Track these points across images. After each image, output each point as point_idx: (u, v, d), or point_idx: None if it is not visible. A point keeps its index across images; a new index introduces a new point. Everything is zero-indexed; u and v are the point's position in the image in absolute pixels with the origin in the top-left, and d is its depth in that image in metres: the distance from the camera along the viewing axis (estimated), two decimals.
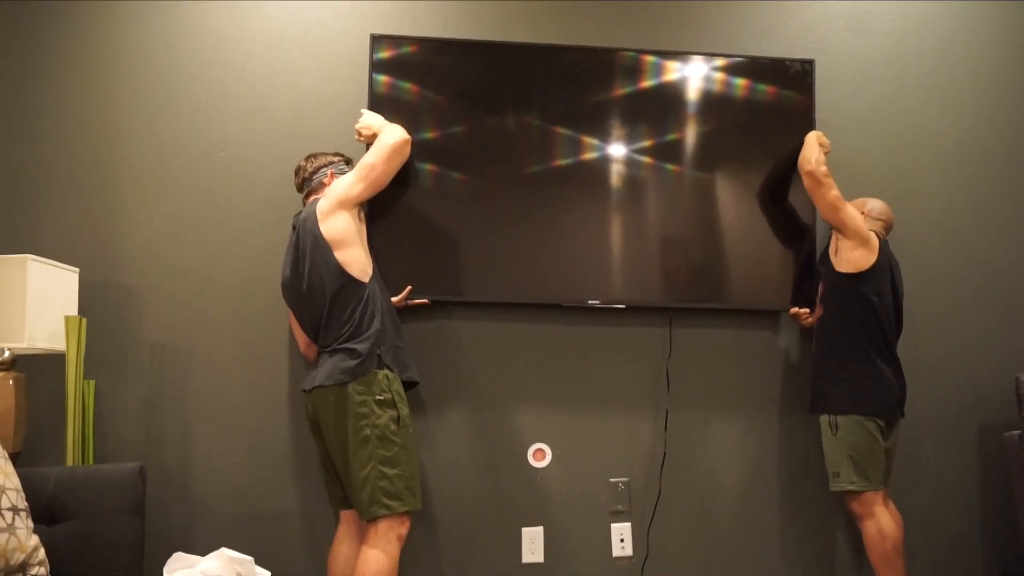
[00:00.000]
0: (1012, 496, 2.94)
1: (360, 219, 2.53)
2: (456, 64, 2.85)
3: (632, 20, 3.08)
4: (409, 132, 2.63)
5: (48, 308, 2.41)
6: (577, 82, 2.90)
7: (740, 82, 2.96)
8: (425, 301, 2.78)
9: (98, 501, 2.08)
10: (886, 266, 2.76)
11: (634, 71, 2.93)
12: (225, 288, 2.81)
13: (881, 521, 2.66)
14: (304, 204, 2.64)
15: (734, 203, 2.93)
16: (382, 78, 2.81)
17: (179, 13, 2.89)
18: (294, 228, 2.54)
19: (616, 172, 2.89)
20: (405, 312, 2.78)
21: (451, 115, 2.83)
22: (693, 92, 2.95)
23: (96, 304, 2.75)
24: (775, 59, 2.99)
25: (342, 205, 2.46)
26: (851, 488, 2.67)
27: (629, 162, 2.90)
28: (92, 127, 2.82)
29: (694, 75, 2.95)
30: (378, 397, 2.34)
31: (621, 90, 2.92)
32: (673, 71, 2.94)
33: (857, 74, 3.17)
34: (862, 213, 2.84)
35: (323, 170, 2.59)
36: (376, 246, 2.72)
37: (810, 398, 2.83)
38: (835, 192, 2.72)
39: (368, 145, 2.62)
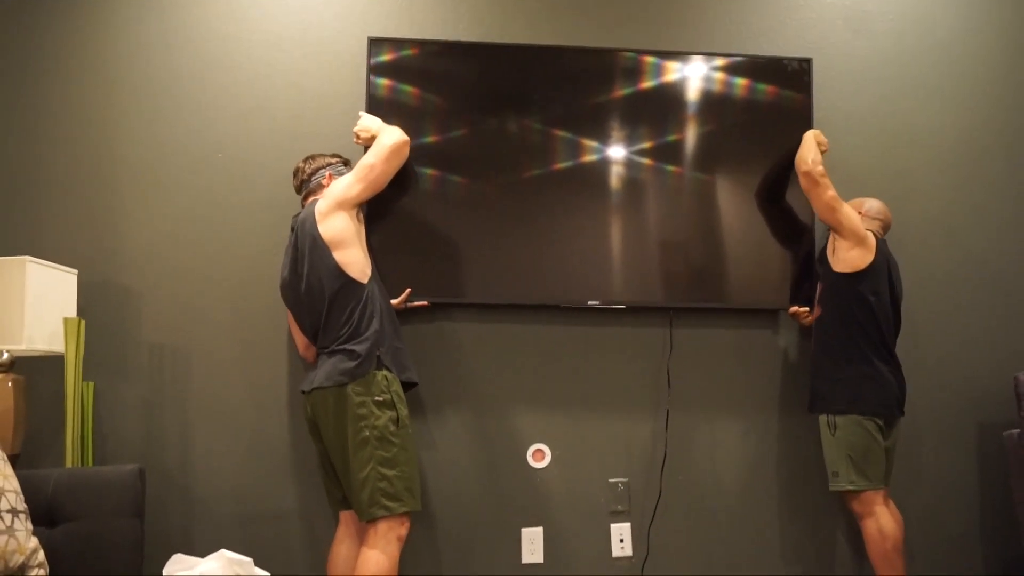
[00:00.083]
0: (1011, 495, 2.95)
1: (359, 220, 2.53)
2: (454, 66, 2.85)
3: (631, 20, 3.08)
4: (408, 135, 2.63)
5: (47, 310, 2.41)
6: (576, 83, 2.90)
7: (739, 82, 2.96)
8: (425, 303, 2.78)
9: (97, 503, 2.08)
10: (884, 266, 2.76)
11: (634, 72, 2.93)
12: (224, 289, 2.81)
13: (881, 520, 2.66)
14: (303, 205, 2.64)
15: (733, 203, 2.93)
16: (382, 81, 2.81)
17: (178, 14, 2.88)
18: (293, 229, 2.54)
19: (616, 174, 2.89)
20: (405, 314, 2.78)
21: (450, 118, 2.83)
22: (692, 92, 2.95)
23: (95, 305, 2.75)
24: (772, 58, 2.99)
25: (341, 206, 2.46)
26: (850, 488, 2.67)
27: (629, 164, 2.90)
28: (91, 128, 2.82)
29: (693, 75, 2.95)
30: (377, 398, 2.34)
31: (621, 91, 2.92)
32: (672, 71, 2.94)
33: (856, 73, 3.17)
34: (859, 213, 2.84)
35: (322, 171, 2.60)
36: (375, 248, 2.72)
37: (809, 398, 2.83)
38: (831, 192, 2.72)
39: (366, 148, 2.62)
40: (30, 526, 1.94)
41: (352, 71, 2.92)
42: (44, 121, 2.80)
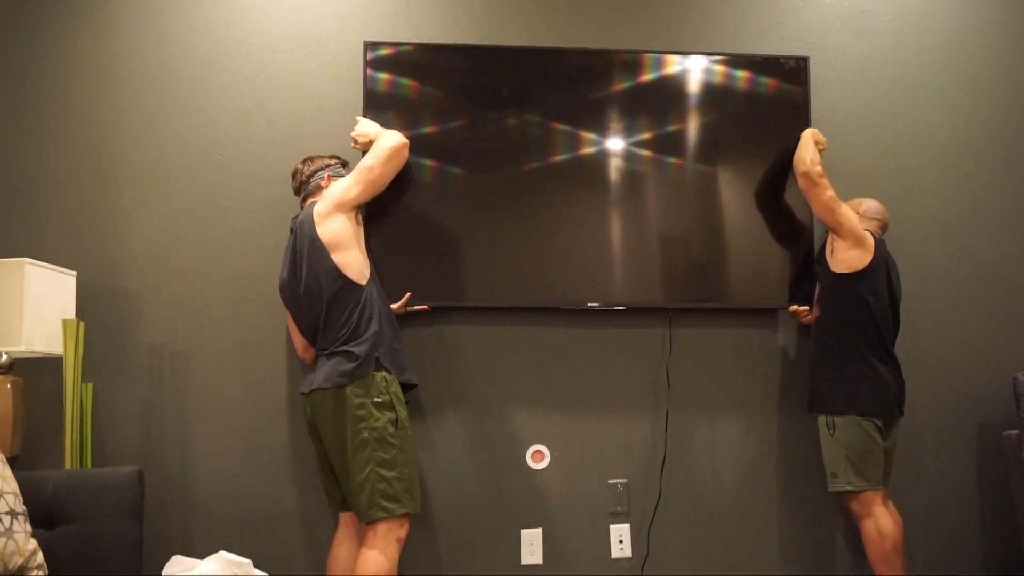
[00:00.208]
0: (1010, 495, 2.95)
1: (357, 222, 2.53)
2: (452, 65, 2.85)
3: (630, 21, 3.08)
4: (407, 128, 2.64)
5: (46, 311, 2.41)
6: (575, 80, 2.91)
7: (740, 74, 2.97)
8: (424, 307, 2.78)
9: (96, 504, 2.08)
10: (882, 266, 2.76)
11: (633, 66, 2.94)
12: (223, 290, 2.81)
13: (880, 521, 2.66)
14: (302, 207, 2.64)
15: (733, 197, 2.94)
16: (381, 75, 2.81)
17: (177, 15, 2.89)
18: (292, 231, 2.54)
19: (615, 167, 2.90)
20: (404, 317, 2.78)
21: (449, 113, 2.83)
22: (691, 85, 2.95)
23: (94, 307, 2.74)
24: (770, 56, 3.00)
25: (339, 208, 2.46)
26: (849, 488, 2.67)
27: (628, 156, 2.90)
28: (90, 129, 2.82)
29: (693, 68, 2.95)
30: (376, 399, 2.34)
31: (620, 85, 2.92)
32: (672, 64, 2.95)
33: (855, 74, 3.17)
34: (857, 213, 2.85)
35: (320, 173, 2.60)
36: (374, 250, 2.72)
37: (808, 398, 2.83)
38: (830, 193, 2.72)
39: (364, 152, 2.62)
40: (29, 528, 1.94)
41: (350, 73, 2.92)
42: (43, 122, 2.80)
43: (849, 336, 2.72)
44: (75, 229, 2.78)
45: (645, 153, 2.91)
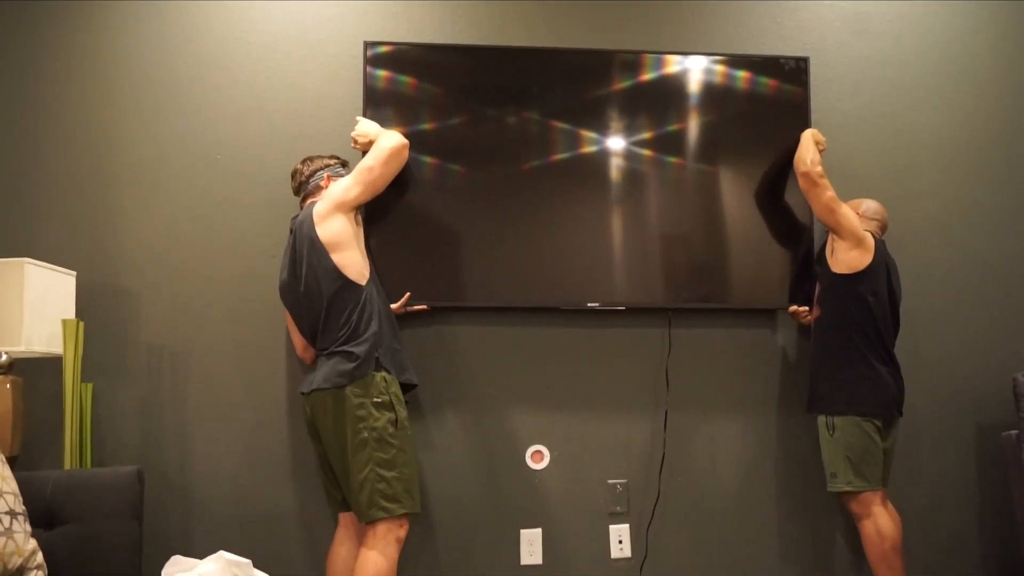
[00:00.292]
0: (1010, 495, 2.95)
1: (357, 222, 2.53)
2: (451, 66, 2.86)
3: (629, 22, 3.08)
4: (406, 124, 2.64)
5: (45, 311, 2.41)
6: (575, 79, 2.91)
7: (740, 74, 2.97)
8: (424, 307, 2.78)
9: (96, 504, 2.08)
10: (882, 266, 2.76)
11: (633, 66, 2.94)
12: (223, 290, 2.81)
13: (879, 521, 2.66)
14: (301, 207, 2.64)
15: (733, 197, 2.94)
16: (381, 72, 2.81)
17: (177, 15, 2.89)
18: (291, 231, 2.54)
19: (615, 166, 2.90)
20: (403, 317, 2.78)
21: (449, 110, 2.83)
22: (692, 85, 2.95)
23: (94, 307, 2.74)
24: (770, 57, 3.00)
25: (339, 208, 2.46)
26: (848, 489, 2.67)
27: (628, 155, 2.91)
28: (90, 129, 2.82)
29: (694, 68, 2.96)
30: (376, 399, 2.34)
31: (620, 84, 2.93)
32: (672, 64, 2.95)
33: (854, 74, 3.18)
34: (857, 214, 2.85)
35: (320, 173, 2.60)
36: (374, 250, 2.72)
37: (807, 398, 2.83)
38: (830, 193, 2.72)
39: (364, 152, 2.62)
40: (28, 528, 1.94)
41: (350, 72, 2.92)
42: (43, 122, 2.80)
43: (849, 336, 2.72)
44: (75, 229, 2.78)
45: (646, 152, 2.92)
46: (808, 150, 2.78)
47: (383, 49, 2.83)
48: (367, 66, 2.81)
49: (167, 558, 2.14)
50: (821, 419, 2.75)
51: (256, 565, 2.20)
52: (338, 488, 2.48)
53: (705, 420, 2.98)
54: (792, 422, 3.01)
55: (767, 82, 2.99)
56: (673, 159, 2.93)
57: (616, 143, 2.91)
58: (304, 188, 2.61)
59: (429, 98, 2.83)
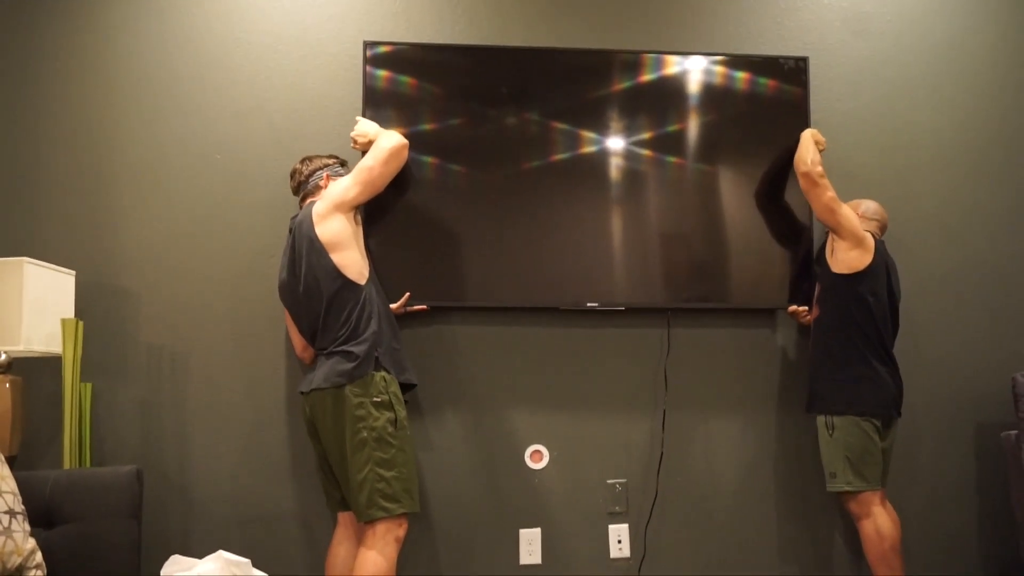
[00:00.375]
0: (1009, 495, 2.95)
1: (356, 222, 2.53)
2: (451, 66, 2.86)
3: (629, 22, 3.08)
4: (406, 124, 2.64)
5: (45, 311, 2.41)
6: (575, 79, 2.91)
7: (739, 75, 2.97)
8: (424, 307, 2.78)
9: (95, 504, 2.08)
10: (882, 266, 2.76)
11: (633, 66, 2.94)
12: (222, 290, 2.81)
13: (878, 521, 2.66)
14: (300, 206, 2.64)
15: (732, 197, 2.94)
16: (381, 72, 2.81)
17: (177, 15, 2.89)
18: (290, 231, 2.54)
19: (615, 166, 2.90)
20: (403, 317, 2.78)
21: (449, 110, 2.83)
22: (692, 85, 2.95)
23: (93, 307, 2.74)
24: (769, 57, 3.00)
25: (338, 208, 2.46)
26: (847, 489, 2.67)
27: (628, 155, 2.91)
28: (89, 129, 2.82)
29: (693, 68, 2.96)
30: (375, 399, 2.34)
31: (620, 85, 2.93)
32: (672, 64, 2.95)
33: (854, 74, 3.18)
34: (856, 215, 2.84)
35: (319, 173, 2.60)
36: (373, 250, 2.72)
37: (807, 398, 2.83)
38: (830, 193, 2.72)
39: (363, 152, 2.62)
40: (28, 527, 1.94)
41: (350, 72, 2.92)
42: (42, 122, 2.80)
43: (849, 336, 2.72)
44: (74, 228, 2.78)
45: (645, 152, 2.92)
46: (808, 150, 2.78)
47: (383, 49, 2.83)
48: (367, 66, 2.82)
49: (166, 558, 2.15)
50: (820, 419, 2.75)
51: (255, 565, 2.20)
52: (337, 488, 2.48)
53: (705, 420, 2.98)
54: (791, 422, 3.01)
55: (766, 82, 2.99)
56: (673, 159, 2.93)
57: (616, 143, 2.91)
58: (303, 188, 2.61)
59: (429, 98, 2.83)
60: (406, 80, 2.82)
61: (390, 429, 2.34)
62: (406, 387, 2.51)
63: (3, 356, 2.38)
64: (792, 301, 2.93)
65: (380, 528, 2.31)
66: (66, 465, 2.39)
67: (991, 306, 3.15)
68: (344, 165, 2.67)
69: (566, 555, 2.87)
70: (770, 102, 2.98)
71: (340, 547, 2.51)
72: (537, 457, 2.90)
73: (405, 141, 2.60)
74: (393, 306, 2.69)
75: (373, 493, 2.30)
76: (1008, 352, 3.14)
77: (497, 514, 2.85)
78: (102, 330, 2.74)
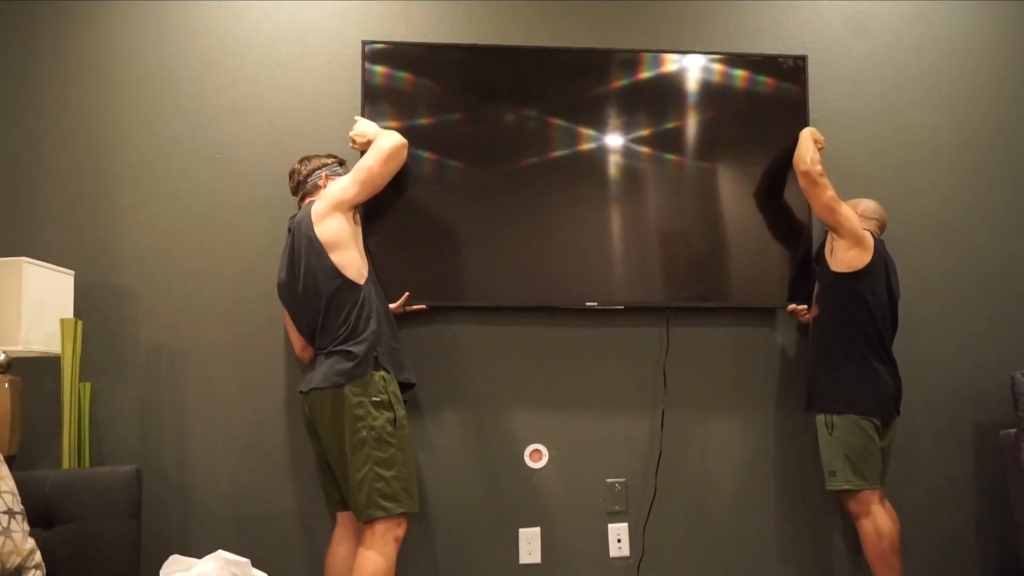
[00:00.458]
0: (1008, 494, 2.95)
1: (355, 221, 2.53)
2: (449, 65, 2.85)
3: (628, 21, 3.08)
4: (405, 120, 2.64)
5: (44, 311, 2.41)
6: (574, 79, 2.91)
7: (738, 73, 2.97)
8: (423, 307, 2.78)
9: (94, 504, 2.08)
10: (881, 265, 2.76)
11: (631, 64, 2.94)
12: (221, 290, 2.81)
13: (878, 520, 2.66)
14: (299, 206, 2.63)
15: (731, 195, 2.94)
16: (378, 68, 2.81)
17: (176, 15, 2.88)
18: (289, 230, 2.54)
19: (614, 163, 2.90)
20: (402, 317, 2.78)
21: (447, 107, 2.83)
22: (690, 83, 2.95)
23: (92, 306, 2.74)
24: (768, 55, 3.00)
25: (337, 207, 2.46)
26: (847, 487, 2.68)
27: (627, 152, 2.90)
28: (88, 129, 2.82)
29: (692, 66, 2.96)
30: (374, 399, 2.34)
31: (618, 82, 2.93)
32: (671, 62, 2.95)
33: (853, 73, 3.18)
34: (856, 214, 2.85)
35: (318, 172, 2.60)
36: (373, 250, 2.72)
37: (806, 397, 2.83)
38: (830, 192, 2.72)
39: (362, 152, 2.62)
40: (27, 527, 1.94)
41: (348, 72, 2.92)
42: (41, 122, 2.80)
43: (848, 335, 2.73)
44: (73, 228, 2.77)
45: (644, 150, 2.92)
46: (808, 149, 2.78)
47: (381, 47, 2.83)
48: (365, 62, 2.81)
49: (165, 557, 2.14)
50: (820, 418, 2.75)
51: (254, 564, 2.20)
52: (336, 487, 2.48)
53: (704, 419, 2.98)
54: (790, 421, 3.01)
55: (765, 80, 2.99)
56: (672, 157, 2.93)
57: (614, 140, 2.91)
58: (302, 187, 2.61)
59: (426, 94, 2.83)
60: (403, 76, 2.82)
61: (389, 428, 2.34)
62: (405, 386, 2.51)
63: (2, 356, 2.38)
64: (791, 300, 2.94)
65: (379, 528, 2.31)
66: (65, 465, 2.39)
67: (990, 304, 3.15)
68: (343, 164, 2.67)
69: (566, 554, 2.87)
70: (769, 100, 2.98)
71: (339, 547, 2.51)
72: (536, 456, 2.90)
73: (404, 141, 2.60)
74: (392, 306, 2.69)
75: (372, 493, 2.30)
76: (1007, 350, 3.14)
77: (496, 513, 2.85)
78: (101, 330, 2.74)
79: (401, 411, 2.39)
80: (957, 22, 3.25)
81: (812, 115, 3.06)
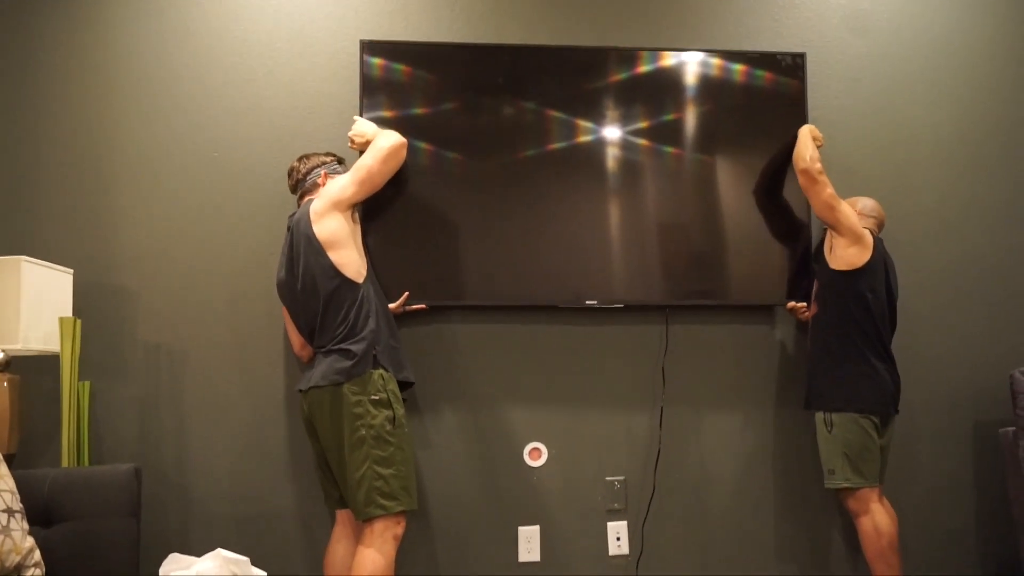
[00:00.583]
0: (1007, 493, 2.95)
1: (354, 220, 2.53)
2: (448, 62, 2.85)
3: (626, 20, 3.07)
4: (402, 111, 2.64)
5: (43, 309, 2.41)
6: (572, 74, 2.90)
7: (737, 67, 2.97)
8: (422, 306, 2.78)
9: (94, 503, 2.08)
10: (881, 263, 2.76)
11: (630, 59, 2.93)
12: (220, 288, 2.81)
13: (876, 518, 2.67)
14: (298, 205, 2.63)
15: (729, 193, 2.94)
16: (376, 60, 2.80)
17: (175, 13, 2.88)
18: (288, 229, 2.54)
19: (612, 155, 2.89)
20: (402, 316, 2.78)
21: (444, 99, 2.82)
22: (688, 77, 2.95)
23: (91, 305, 2.74)
24: (767, 53, 3.00)
25: (336, 206, 2.46)
26: (846, 485, 2.68)
27: (625, 145, 2.90)
28: (87, 127, 2.81)
29: (690, 61, 2.95)
30: (373, 397, 2.34)
31: (616, 76, 2.92)
32: (669, 58, 2.95)
33: (852, 71, 3.17)
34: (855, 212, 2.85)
35: (316, 171, 2.59)
36: (372, 250, 2.72)
37: (805, 395, 2.83)
38: (829, 190, 2.72)
39: (361, 152, 2.62)
40: (26, 526, 1.94)
41: (347, 71, 2.91)
42: (40, 120, 2.80)
43: (847, 333, 2.73)
44: (72, 227, 2.77)
45: (642, 142, 2.91)
46: (807, 147, 2.78)
47: (379, 44, 2.83)
48: (363, 54, 2.81)
49: (165, 556, 2.15)
50: (819, 416, 2.75)
51: (254, 563, 2.20)
52: (335, 486, 2.48)
53: (703, 417, 2.98)
54: (789, 418, 3.01)
55: (764, 75, 2.98)
56: (670, 149, 2.92)
57: (612, 132, 2.90)
58: (301, 186, 2.61)
59: (424, 85, 2.82)
60: (400, 68, 2.82)
61: (388, 427, 2.34)
62: (404, 385, 2.51)
63: (1, 355, 2.38)
64: (791, 297, 2.93)
65: (378, 526, 2.31)
66: (64, 464, 2.39)
67: (989, 302, 3.15)
68: (342, 163, 2.66)
69: (565, 552, 2.87)
70: (768, 94, 2.98)
71: (339, 545, 2.52)
72: (536, 455, 2.90)
73: (403, 140, 2.60)
74: (392, 305, 2.69)
75: (371, 491, 2.30)
76: (1006, 348, 3.14)
77: (496, 512, 2.86)
78: (100, 328, 2.74)
79: (400, 410, 2.39)
80: (956, 20, 3.25)
81: (811, 113, 3.06)
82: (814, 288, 2.86)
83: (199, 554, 2.19)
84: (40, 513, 2.05)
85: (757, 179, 2.95)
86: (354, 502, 2.34)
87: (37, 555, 1.93)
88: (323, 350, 2.42)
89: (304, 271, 2.43)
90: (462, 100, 2.84)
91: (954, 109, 3.21)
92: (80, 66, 2.83)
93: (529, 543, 2.85)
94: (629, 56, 2.94)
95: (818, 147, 2.83)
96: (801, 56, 3.01)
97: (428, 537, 2.82)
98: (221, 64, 2.88)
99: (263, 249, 2.83)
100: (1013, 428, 2.80)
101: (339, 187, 2.49)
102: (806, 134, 2.82)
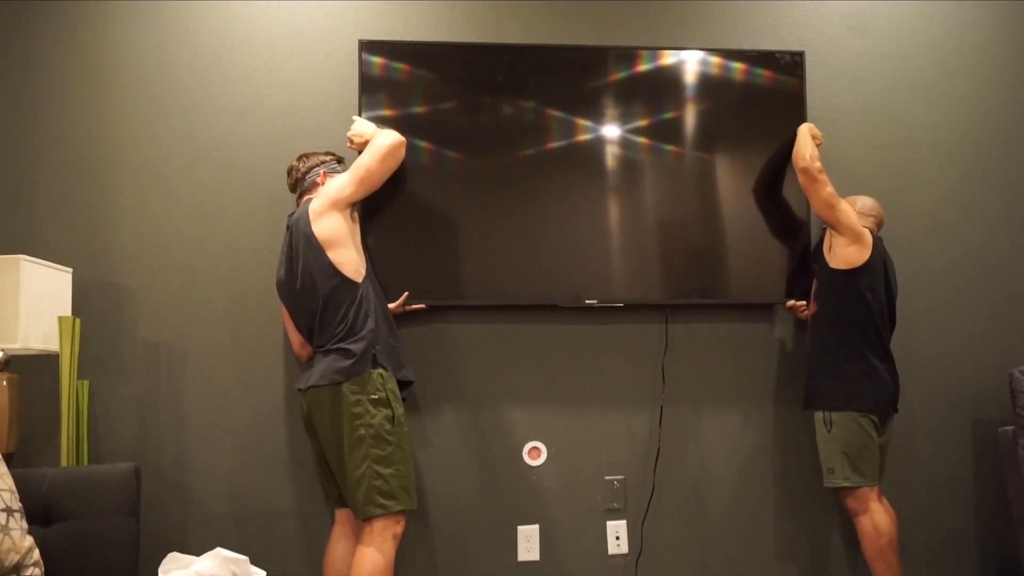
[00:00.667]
0: (1006, 492, 2.95)
1: (353, 219, 2.53)
2: (447, 61, 2.85)
3: (626, 19, 3.07)
4: (401, 110, 2.64)
5: (42, 308, 2.41)
6: (571, 73, 2.90)
7: (736, 66, 2.97)
8: (422, 306, 2.78)
9: (93, 502, 2.08)
10: (880, 262, 2.76)
11: (629, 58, 2.93)
12: (220, 287, 2.81)
13: (876, 517, 2.67)
14: (297, 204, 2.63)
15: (729, 192, 2.94)
16: (375, 59, 2.80)
17: (175, 13, 2.88)
18: (288, 228, 2.54)
19: (611, 154, 2.89)
20: (402, 315, 2.78)
21: (443, 98, 2.82)
22: (688, 76, 2.95)
23: (90, 304, 2.74)
24: (765, 52, 3.00)
25: (335, 206, 2.46)
26: (845, 484, 2.68)
27: (624, 143, 2.90)
28: (86, 127, 2.81)
29: (690, 59, 2.95)
30: (372, 396, 2.34)
31: (616, 75, 2.92)
32: (668, 56, 2.95)
33: (851, 70, 3.17)
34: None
35: (316, 170, 2.59)
36: (371, 249, 2.71)
37: (804, 394, 2.83)
38: (829, 189, 2.72)
39: (360, 152, 2.61)
40: (25, 525, 1.94)
41: (346, 70, 2.91)
42: (39, 120, 2.80)
43: (847, 332, 2.73)
44: (71, 226, 2.77)
45: (642, 140, 2.91)
46: (806, 145, 2.78)
47: (379, 43, 2.83)
48: (362, 52, 2.80)
49: (164, 555, 2.15)
50: (819, 415, 2.75)
51: (253, 562, 2.20)
52: (335, 485, 2.48)
53: (702, 416, 2.98)
54: (789, 417, 3.01)
55: (763, 73, 2.98)
56: (670, 147, 2.92)
57: (612, 131, 2.90)
58: (300, 185, 2.60)
59: (423, 84, 2.82)
60: (400, 66, 2.82)
61: (387, 426, 2.34)
62: (403, 384, 2.51)
63: (0, 354, 2.38)
64: (790, 296, 2.93)
65: (378, 525, 2.31)
66: (64, 463, 2.39)
67: (988, 302, 3.15)
68: (341, 162, 2.66)
69: (564, 552, 2.87)
70: (767, 93, 2.98)
71: (338, 544, 2.52)
72: (535, 454, 2.90)
73: (402, 139, 2.60)
74: (392, 305, 2.69)
75: (371, 490, 2.30)
76: (1005, 348, 3.14)
77: (495, 511, 2.86)
78: (99, 327, 2.74)
79: (399, 409, 2.39)
80: (955, 20, 3.25)
81: (811, 112, 3.06)
82: (813, 287, 2.86)
83: (198, 553, 2.19)
84: (39, 512, 2.05)
85: (756, 177, 2.95)
86: (353, 501, 2.34)
87: (36, 554, 1.93)
88: (322, 349, 2.42)
89: (303, 270, 2.43)
90: (461, 99, 2.84)
91: (954, 108, 3.21)
92: (80, 66, 2.83)
93: (528, 542, 2.85)
94: (628, 55, 2.94)
95: (817, 146, 2.83)
96: (800, 55, 3.01)
97: (427, 536, 2.82)
98: (221, 63, 2.88)
99: (263, 248, 2.83)
100: (1012, 427, 2.80)
101: (338, 186, 2.49)
102: (805, 133, 2.82)
